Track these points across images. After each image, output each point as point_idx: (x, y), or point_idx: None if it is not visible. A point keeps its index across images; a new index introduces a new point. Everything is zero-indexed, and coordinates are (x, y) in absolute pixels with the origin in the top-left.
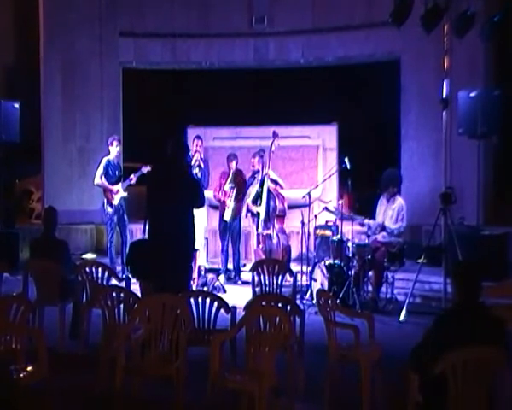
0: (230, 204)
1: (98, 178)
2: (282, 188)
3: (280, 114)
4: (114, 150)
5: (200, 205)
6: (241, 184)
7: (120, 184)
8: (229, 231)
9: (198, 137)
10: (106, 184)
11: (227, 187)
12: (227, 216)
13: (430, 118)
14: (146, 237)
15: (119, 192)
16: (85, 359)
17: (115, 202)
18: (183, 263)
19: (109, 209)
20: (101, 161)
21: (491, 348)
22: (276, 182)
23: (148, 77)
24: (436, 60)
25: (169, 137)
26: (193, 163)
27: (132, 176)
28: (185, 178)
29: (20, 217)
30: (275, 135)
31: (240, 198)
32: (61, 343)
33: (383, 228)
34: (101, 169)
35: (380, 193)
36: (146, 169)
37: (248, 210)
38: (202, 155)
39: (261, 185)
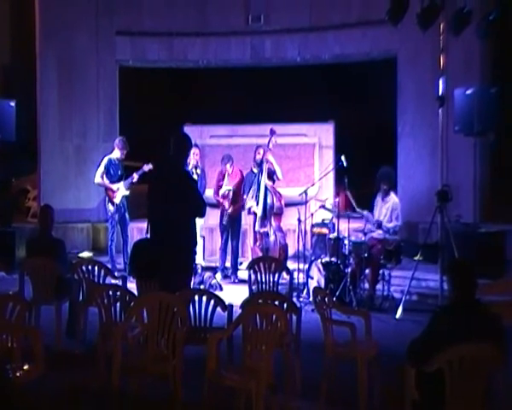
0: (229, 207)
1: (98, 178)
2: (278, 179)
3: (277, 112)
4: (118, 151)
5: (201, 215)
6: (238, 185)
7: (122, 182)
8: (230, 229)
9: (195, 146)
10: (106, 183)
11: (223, 190)
12: (224, 221)
13: (426, 116)
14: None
15: (121, 190)
16: (82, 357)
17: (117, 200)
18: (184, 263)
19: (111, 208)
20: (103, 159)
21: (488, 344)
22: (273, 172)
23: (145, 75)
24: (432, 58)
25: (169, 135)
26: (189, 168)
27: (135, 174)
28: (187, 183)
29: (16, 216)
30: (272, 133)
31: (238, 200)
32: (58, 342)
33: (379, 226)
34: (101, 168)
35: (375, 191)
36: (148, 168)
37: (250, 211)
38: (199, 164)
39: (258, 183)
